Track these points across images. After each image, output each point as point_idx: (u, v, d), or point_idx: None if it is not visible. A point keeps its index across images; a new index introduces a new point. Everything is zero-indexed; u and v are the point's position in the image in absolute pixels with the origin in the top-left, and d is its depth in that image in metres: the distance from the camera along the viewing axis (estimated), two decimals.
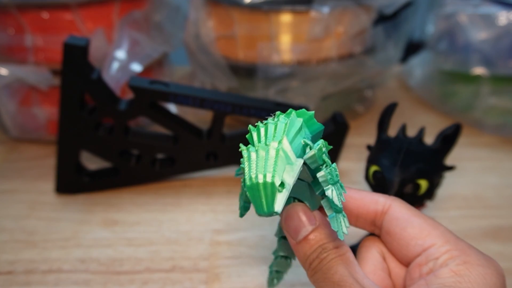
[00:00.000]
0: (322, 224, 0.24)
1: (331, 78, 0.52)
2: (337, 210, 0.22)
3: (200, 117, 0.51)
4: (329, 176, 0.21)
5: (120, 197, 0.45)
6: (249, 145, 0.21)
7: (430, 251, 0.24)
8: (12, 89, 0.49)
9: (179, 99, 0.41)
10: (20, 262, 0.38)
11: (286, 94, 0.52)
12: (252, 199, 0.19)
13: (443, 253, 0.24)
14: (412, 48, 0.66)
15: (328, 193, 0.21)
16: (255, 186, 0.19)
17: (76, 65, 0.40)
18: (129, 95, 0.46)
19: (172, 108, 0.54)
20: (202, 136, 0.44)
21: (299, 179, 0.23)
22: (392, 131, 0.35)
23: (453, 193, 0.46)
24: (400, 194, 0.32)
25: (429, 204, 0.35)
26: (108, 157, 0.45)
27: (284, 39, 0.51)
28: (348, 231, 0.22)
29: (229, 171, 0.49)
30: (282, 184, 0.19)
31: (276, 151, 0.20)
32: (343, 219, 0.22)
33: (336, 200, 0.21)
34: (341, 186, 0.22)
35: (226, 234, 0.41)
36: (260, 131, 0.21)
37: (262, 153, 0.20)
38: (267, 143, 0.20)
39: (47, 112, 0.51)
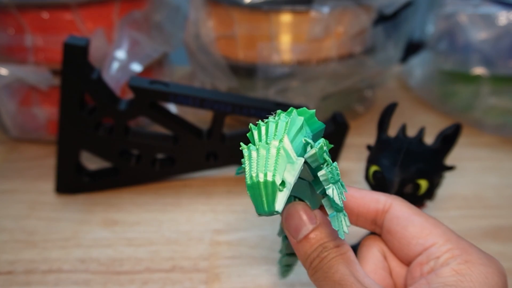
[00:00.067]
0: (323, 223, 0.24)
1: (331, 78, 0.52)
2: (338, 209, 0.22)
3: (200, 117, 0.51)
4: (330, 175, 0.21)
5: (120, 197, 0.45)
6: (250, 144, 0.20)
7: (431, 250, 0.24)
8: (12, 89, 0.49)
9: (179, 99, 0.41)
10: (20, 262, 0.38)
11: (286, 94, 0.52)
12: (252, 198, 0.19)
13: (444, 252, 0.24)
14: (412, 48, 0.66)
15: (329, 192, 0.21)
16: (255, 185, 0.19)
17: (76, 65, 0.40)
18: (129, 95, 0.46)
19: (172, 108, 0.54)
20: (202, 136, 0.44)
21: (300, 178, 0.23)
22: (392, 131, 0.35)
23: (453, 193, 0.46)
24: (400, 194, 0.32)
25: (429, 204, 0.35)
26: (108, 157, 0.45)
27: (284, 39, 0.51)
28: (349, 230, 0.22)
29: (229, 171, 0.49)
30: (283, 183, 0.19)
31: (277, 149, 0.19)
32: (344, 218, 0.22)
33: (337, 199, 0.21)
34: (342, 185, 0.22)
35: (226, 234, 0.41)
36: (261, 130, 0.21)
37: (263, 151, 0.20)
38: (268, 142, 0.20)
39: (47, 112, 0.51)
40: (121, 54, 0.48)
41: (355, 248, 0.29)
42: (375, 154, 0.34)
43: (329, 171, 0.21)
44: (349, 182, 0.46)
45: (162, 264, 0.38)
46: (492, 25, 0.52)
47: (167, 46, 0.55)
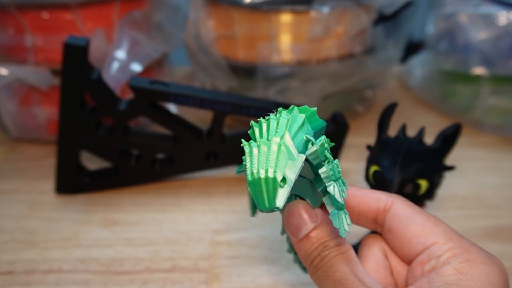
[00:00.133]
0: (324, 221, 0.24)
1: (331, 78, 0.52)
2: (339, 207, 0.22)
3: (200, 117, 0.51)
4: (331, 172, 0.21)
5: (120, 197, 0.45)
6: (251, 141, 0.20)
7: (432, 249, 0.24)
8: (12, 89, 0.49)
9: (179, 99, 0.41)
10: (20, 262, 0.38)
11: (286, 94, 0.52)
12: (253, 194, 0.19)
13: (445, 251, 0.24)
14: (412, 48, 0.66)
15: (330, 189, 0.21)
16: (256, 181, 0.19)
17: (76, 65, 0.40)
18: (129, 95, 0.46)
19: (172, 108, 0.54)
20: (202, 136, 0.44)
21: (301, 176, 0.23)
22: (392, 131, 0.35)
23: (453, 193, 0.46)
24: (400, 194, 0.31)
25: (429, 204, 0.35)
26: (108, 157, 0.44)
27: (284, 39, 0.51)
28: (350, 229, 0.22)
29: (229, 171, 0.49)
30: (283, 180, 0.19)
31: (278, 146, 0.19)
32: (345, 217, 0.22)
33: (338, 197, 0.21)
34: (343, 183, 0.22)
35: (226, 234, 0.41)
36: (262, 127, 0.21)
37: (264, 148, 0.20)
38: (269, 138, 0.20)
39: (47, 112, 0.51)
40: (121, 54, 0.48)
41: (356, 247, 0.29)
42: (375, 154, 0.34)
43: (330, 168, 0.21)
44: (349, 182, 0.46)
45: (162, 264, 0.38)
46: (492, 25, 0.52)
47: (167, 46, 0.55)
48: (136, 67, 0.49)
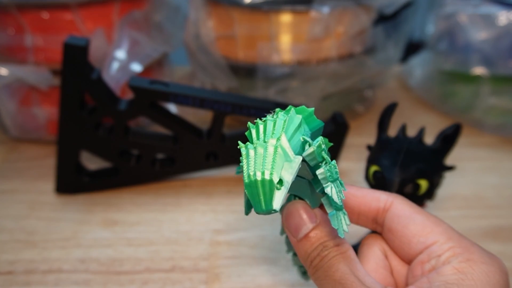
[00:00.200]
0: (323, 222, 0.24)
1: (331, 78, 0.52)
2: (337, 208, 0.22)
3: (200, 117, 0.51)
4: (329, 173, 0.21)
5: (120, 197, 0.45)
6: (248, 143, 0.20)
7: (432, 249, 0.24)
8: (12, 89, 0.49)
9: (179, 99, 0.41)
10: (20, 262, 0.38)
11: (286, 94, 0.52)
12: (250, 196, 0.19)
13: (445, 251, 0.24)
14: (412, 48, 0.66)
15: (328, 190, 0.21)
16: (253, 184, 0.19)
17: (76, 65, 0.40)
18: (129, 95, 0.46)
19: (172, 108, 0.54)
20: (202, 136, 0.44)
21: (299, 176, 0.23)
22: (392, 131, 0.35)
23: (453, 193, 0.46)
24: (400, 194, 0.32)
25: (429, 204, 0.35)
26: (108, 157, 0.44)
27: (284, 39, 0.51)
28: (348, 229, 0.22)
29: (229, 171, 0.49)
30: (280, 182, 0.19)
31: (274, 148, 0.19)
32: (344, 217, 0.22)
33: (335, 198, 0.21)
34: (341, 184, 0.21)
35: (226, 234, 0.41)
36: (259, 128, 0.21)
37: (260, 150, 0.19)
38: (266, 140, 0.20)
39: (47, 112, 0.51)
40: (121, 54, 0.48)
41: (356, 247, 0.29)
42: (375, 154, 0.34)
43: (327, 170, 0.21)
44: (349, 182, 0.46)
45: (162, 264, 0.38)
46: (492, 25, 0.52)
47: (167, 46, 0.55)
48: (136, 67, 0.49)
